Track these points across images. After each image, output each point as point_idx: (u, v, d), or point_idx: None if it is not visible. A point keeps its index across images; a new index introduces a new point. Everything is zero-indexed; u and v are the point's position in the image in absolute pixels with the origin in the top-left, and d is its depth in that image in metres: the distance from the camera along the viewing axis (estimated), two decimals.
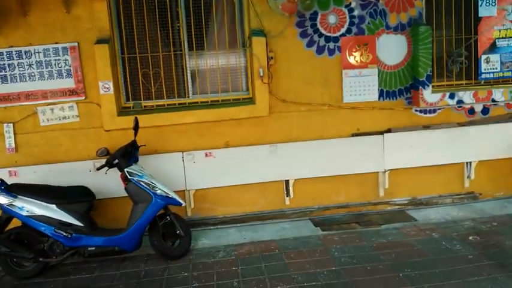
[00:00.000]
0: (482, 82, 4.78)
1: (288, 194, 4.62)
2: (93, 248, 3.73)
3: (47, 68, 4.15)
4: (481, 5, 4.57)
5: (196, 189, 4.45)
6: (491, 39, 4.67)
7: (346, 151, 4.54)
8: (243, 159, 4.43)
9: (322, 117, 4.57)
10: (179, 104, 4.45)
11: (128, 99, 4.40)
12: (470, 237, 3.94)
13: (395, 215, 4.66)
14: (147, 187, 3.72)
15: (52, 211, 3.64)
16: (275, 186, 4.60)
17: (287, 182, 4.59)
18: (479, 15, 4.59)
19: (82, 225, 3.72)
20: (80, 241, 3.69)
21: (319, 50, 4.47)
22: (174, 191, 3.94)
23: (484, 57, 4.69)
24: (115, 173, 3.85)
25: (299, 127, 4.55)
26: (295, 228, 4.41)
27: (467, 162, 4.80)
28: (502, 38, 4.68)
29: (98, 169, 3.88)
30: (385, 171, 4.66)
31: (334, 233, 4.23)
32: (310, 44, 4.45)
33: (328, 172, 4.59)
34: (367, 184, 4.73)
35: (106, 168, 3.82)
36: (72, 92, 4.21)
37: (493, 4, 4.59)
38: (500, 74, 4.75)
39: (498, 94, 4.65)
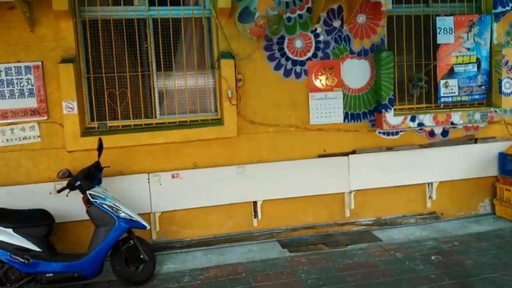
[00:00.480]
0: (441, 106, 4.99)
1: (255, 216, 4.61)
2: (51, 275, 3.56)
3: (8, 87, 4.03)
4: (439, 33, 4.81)
5: (162, 212, 4.36)
6: (449, 65, 4.91)
7: (313, 172, 4.60)
8: (211, 180, 4.40)
9: (290, 139, 4.63)
10: (146, 124, 4.40)
11: (92, 120, 4.31)
12: (433, 257, 4.03)
13: (361, 235, 4.72)
14: (110, 210, 3.62)
15: (8, 236, 3.47)
16: (243, 208, 4.59)
17: (255, 203, 4.58)
18: (438, 42, 4.83)
19: (40, 250, 3.56)
20: (38, 267, 3.52)
21: (287, 73, 4.56)
22: (139, 214, 3.86)
23: (442, 82, 4.91)
24: (77, 195, 3.73)
25: (267, 148, 4.58)
26: (263, 251, 4.38)
27: (428, 183, 4.96)
28: (459, 64, 4.93)
29: (59, 191, 3.75)
30: (350, 192, 4.74)
31: (301, 255, 4.23)
32: (277, 67, 4.53)
33: (296, 193, 4.62)
34: (334, 205, 4.79)
35: (67, 190, 3.69)
36: (34, 112, 4.09)
37: (450, 32, 4.85)
38: (458, 98, 4.98)
39: (456, 117, 4.86)
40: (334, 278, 3.68)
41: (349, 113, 4.72)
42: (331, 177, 4.65)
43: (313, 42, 4.57)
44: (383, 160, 4.75)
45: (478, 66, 4.97)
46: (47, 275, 3.55)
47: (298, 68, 4.57)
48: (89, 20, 4.19)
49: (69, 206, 3.93)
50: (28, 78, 4.05)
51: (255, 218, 4.61)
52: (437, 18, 4.80)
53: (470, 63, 4.94)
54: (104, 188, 3.83)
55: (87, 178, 3.70)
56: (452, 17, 4.83)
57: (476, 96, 5.03)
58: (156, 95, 4.43)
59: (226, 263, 4.10)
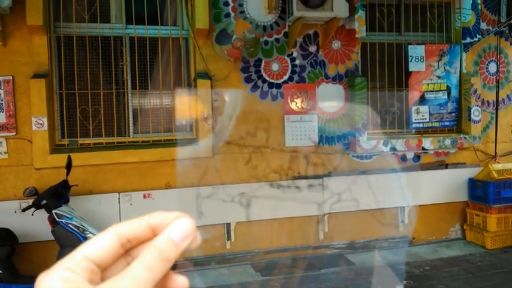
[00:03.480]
0: (413, 131, 5.11)
1: (229, 238, 4.54)
2: None
3: None
4: (410, 61, 4.97)
5: None
6: (421, 92, 5.06)
7: (287, 194, 4.59)
8: (184, 200, 4.33)
9: (265, 160, 4.63)
10: (118, 142, 4.32)
11: (63, 137, 4.21)
12: (405, 282, 4.04)
13: (335, 259, 4.70)
14: (77, 230, 3.50)
15: None
16: (216, 230, 4.52)
17: (228, 225, 4.53)
18: (409, 69, 4.99)
19: (0, 271, 3.40)
20: None
21: (263, 95, 4.60)
22: None
23: (414, 108, 5.04)
24: (43, 214, 3.60)
25: (242, 169, 4.56)
26: (235, 274, 4.30)
27: (401, 207, 5.02)
28: (430, 91, 5.09)
29: (24, 210, 3.61)
30: (324, 215, 4.74)
31: (274, 279, 4.17)
32: (254, 89, 4.57)
33: (270, 215, 4.59)
34: (308, 227, 4.78)
35: (33, 209, 3.56)
36: (1, 127, 3.97)
37: (422, 60, 5.01)
38: (429, 124, 5.11)
39: (427, 143, 4.97)
40: None
41: (324, 136, 4.77)
42: (305, 199, 4.65)
43: (290, 66, 4.64)
44: (356, 183, 4.79)
45: (448, 94, 5.13)
46: None
47: (274, 91, 4.61)
48: (64, 36, 4.15)
49: (35, 225, 3.79)
50: None
51: (228, 240, 4.54)
52: (409, 46, 4.96)
53: (441, 90, 5.10)
54: (71, 207, 3.71)
55: (53, 197, 3.58)
56: (423, 46, 5.01)
57: (447, 123, 5.18)
58: (130, 113, 4.38)
59: (197, 287, 4.00)
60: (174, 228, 0.40)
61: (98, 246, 0.40)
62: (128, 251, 0.42)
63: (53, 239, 3.57)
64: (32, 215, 3.58)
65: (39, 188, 3.68)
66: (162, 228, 0.41)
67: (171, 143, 4.41)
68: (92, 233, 3.54)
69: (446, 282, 3.99)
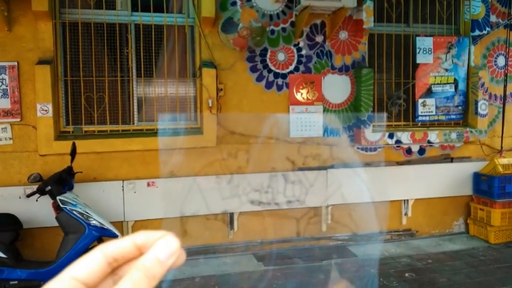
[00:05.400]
0: (419, 124, 5.07)
1: (231, 228, 4.55)
2: (16, 282, 3.41)
3: None
4: (418, 53, 4.91)
5: (135, 221, 4.26)
6: (428, 85, 5.00)
7: (291, 185, 4.58)
8: (188, 189, 4.33)
9: (269, 151, 4.61)
10: (123, 130, 4.32)
11: (67, 123, 4.21)
12: (407, 274, 4.04)
13: (337, 250, 4.71)
14: (81, 217, 3.51)
15: None
16: (219, 220, 4.52)
17: (231, 215, 4.53)
18: (417, 61, 4.93)
19: (5, 256, 3.42)
20: (1, 274, 3.37)
21: (268, 85, 4.56)
22: (111, 222, 3.75)
23: (420, 101, 5.00)
24: (47, 200, 3.61)
25: (246, 159, 4.55)
26: (237, 263, 4.32)
27: (404, 200, 5.00)
28: (437, 84, 5.03)
29: (28, 196, 3.62)
30: (327, 206, 4.74)
31: (276, 269, 4.18)
32: (259, 79, 4.54)
33: (273, 206, 4.59)
34: (311, 219, 4.78)
35: (37, 195, 3.57)
36: (6, 113, 3.97)
37: (429, 52, 4.95)
38: (436, 117, 5.07)
39: (433, 136, 4.94)
40: None
41: (329, 127, 4.74)
42: (309, 190, 4.64)
43: (296, 56, 4.60)
44: (360, 175, 4.77)
45: (456, 87, 5.08)
46: (11, 282, 3.40)
47: (279, 81, 4.58)
48: (69, 22, 4.12)
49: (39, 211, 3.81)
50: (2, 79, 3.94)
51: (231, 230, 4.55)
52: (417, 38, 4.90)
53: (448, 83, 5.05)
54: (75, 194, 3.72)
55: (58, 183, 3.59)
56: (431, 38, 4.94)
57: (453, 116, 5.13)
58: (135, 101, 4.37)
59: (199, 275, 4.02)
60: (159, 247, 0.41)
61: (85, 267, 0.41)
62: (114, 270, 0.43)
63: (57, 225, 3.59)
64: (37, 201, 3.60)
65: (44, 174, 3.69)
66: (147, 247, 0.42)
67: (175, 132, 4.40)
68: (96, 220, 3.56)
69: (449, 275, 3.99)
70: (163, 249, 0.41)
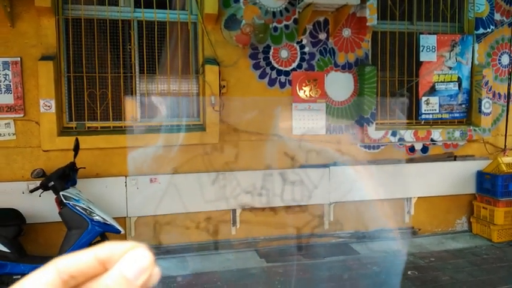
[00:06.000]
0: (422, 122, 5.05)
1: (234, 224, 4.55)
2: (19, 277, 3.42)
3: None
4: (422, 51, 4.90)
5: (138, 217, 4.27)
6: (431, 83, 4.99)
7: (293, 182, 4.58)
8: (190, 186, 4.34)
9: (272, 148, 4.61)
10: (126, 127, 4.32)
11: (70, 119, 4.22)
12: (409, 272, 4.03)
13: (339, 247, 4.70)
14: (84, 212, 3.52)
15: None
16: (222, 216, 4.52)
17: (234, 211, 4.53)
18: (420, 59, 4.91)
19: (8, 251, 3.43)
20: (5, 268, 3.39)
21: (271, 82, 4.56)
22: (114, 218, 3.76)
23: (424, 99, 4.98)
24: (50, 196, 3.62)
25: (249, 156, 4.55)
26: (240, 260, 4.32)
27: (407, 198, 4.99)
28: (441, 82, 5.01)
29: (32, 191, 3.63)
30: (330, 204, 4.73)
31: (278, 265, 4.18)
32: (262, 76, 4.53)
33: (275, 203, 4.59)
34: (313, 216, 4.77)
35: (40, 190, 3.58)
36: (10, 109, 3.98)
37: (433, 50, 4.93)
38: (439, 116, 5.05)
39: (436, 134, 4.92)
40: None
41: (332, 124, 4.74)
42: (311, 188, 4.63)
43: (299, 53, 4.59)
44: (363, 173, 4.76)
45: (459, 85, 5.06)
46: (14, 277, 3.42)
47: (282, 78, 4.57)
48: (72, 18, 4.13)
49: (42, 206, 3.82)
50: (6, 74, 3.95)
51: (233, 226, 4.55)
52: (421, 36, 4.89)
53: (452, 81, 5.03)
54: (78, 189, 3.73)
55: (61, 179, 3.60)
56: (435, 36, 4.93)
57: (457, 115, 5.11)
58: (138, 97, 4.37)
59: (202, 271, 4.02)
60: (126, 262, 0.34)
61: (33, 285, 0.35)
62: None
63: (60, 220, 3.60)
64: (40, 196, 3.60)
65: (47, 169, 3.70)
66: (113, 261, 0.35)
67: (177, 129, 4.40)
68: (99, 216, 3.57)
69: (451, 273, 3.98)
70: (132, 265, 0.34)
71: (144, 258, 0.35)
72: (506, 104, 5.20)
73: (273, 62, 4.54)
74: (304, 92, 4.62)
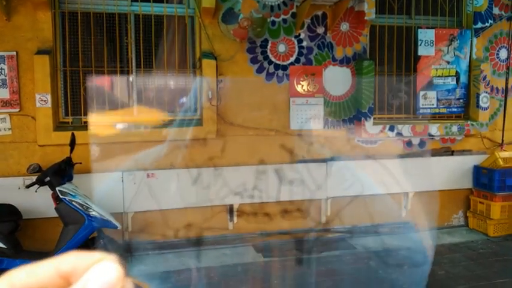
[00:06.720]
0: (420, 117, 5.05)
1: (231, 219, 4.55)
2: None
3: None
4: (420, 45, 4.88)
5: (135, 212, 4.27)
6: (429, 77, 4.97)
7: (291, 177, 4.57)
8: (187, 181, 4.33)
9: (269, 143, 4.60)
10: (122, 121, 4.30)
11: (67, 114, 4.19)
12: (405, 267, 4.05)
13: (336, 242, 4.71)
14: (80, 208, 3.51)
15: None
16: (219, 211, 4.52)
17: (231, 206, 4.53)
18: (418, 53, 4.89)
19: (5, 246, 3.42)
20: (1, 264, 3.37)
21: (269, 77, 4.54)
22: (111, 213, 3.75)
23: (422, 93, 4.97)
24: (46, 191, 3.60)
25: (246, 151, 4.54)
26: (237, 255, 4.33)
27: (404, 193, 5.00)
28: (439, 76, 5.00)
29: (28, 187, 3.61)
30: (327, 199, 4.74)
31: (275, 260, 4.19)
32: (259, 70, 4.51)
33: (272, 198, 4.58)
34: (310, 211, 4.78)
35: (36, 186, 3.57)
36: (5, 103, 3.95)
37: (431, 45, 4.92)
38: (437, 110, 5.05)
39: (434, 129, 4.92)
40: (307, 285, 3.65)
41: (329, 119, 4.72)
42: (308, 183, 4.63)
43: (296, 48, 4.56)
44: (360, 168, 4.76)
45: (457, 80, 5.05)
46: None
47: (280, 72, 4.55)
48: (69, 11, 4.09)
49: (38, 202, 3.80)
50: (1, 68, 3.92)
51: (230, 221, 4.55)
52: (419, 30, 4.86)
53: (450, 76, 5.02)
54: (75, 185, 3.71)
55: (57, 174, 3.58)
56: (433, 30, 4.90)
57: (454, 109, 5.11)
58: (135, 92, 4.35)
59: (198, 266, 4.03)
60: (92, 277, 0.31)
61: None
62: None
63: (57, 215, 3.59)
64: (36, 191, 3.58)
65: (43, 165, 3.67)
66: (77, 276, 0.31)
67: (175, 124, 4.38)
68: (96, 211, 3.55)
69: (447, 268, 4.00)
70: (98, 281, 0.30)
71: (112, 273, 0.31)
72: (504, 98, 5.20)
73: (270, 56, 4.51)
74: (302, 86, 4.60)
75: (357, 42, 4.71)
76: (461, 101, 5.11)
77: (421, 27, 4.90)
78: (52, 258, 0.33)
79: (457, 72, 5.04)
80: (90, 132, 4.04)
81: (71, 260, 0.32)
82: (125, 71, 4.32)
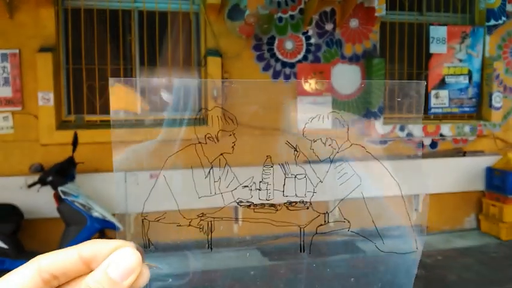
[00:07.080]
0: (431, 117, 4.92)
1: (236, 221, 4.46)
2: None
3: None
4: (432, 42, 4.74)
5: (137, 213, 4.18)
6: (441, 76, 4.84)
7: (297, 178, 4.47)
8: (191, 181, 4.23)
9: (276, 142, 4.49)
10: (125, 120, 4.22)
11: (69, 113, 4.13)
12: (415, 271, 3.93)
13: (344, 246, 4.58)
14: (82, 208, 3.44)
15: None
16: (223, 213, 4.43)
17: (236, 208, 4.43)
18: (430, 51, 4.76)
19: (6, 247, 3.37)
20: (3, 265, 3.32)
21: (275, 75, 4.43)
22: (113, 214, 3.68)
23: (433, 92, 4.84)
24: (48, 191, 3.54)
25: (252, 151, 4.43)
26: (242, 258, 4.23)
27: (415, 195, 4.87)
28: (451, 74, 4.86)
29: (30, 186, 3.55)
30: (335, 201, 4.62)
31: (281, 264, 4.10)
32: (266, 68, 4.41)
33: (279, 199, 4.47)
34: (317, 213, 4.66)
35: (38, 185, 3.50)
36: (8, 102, 3.89)
37: (443, 42, 4.78)
38: (449, 110, 4.91)
39: (446, 129, 4.79)
40: None
41: (338, 119, 4.60)
42: (316, 184, 4.52)
43: (304, 45, 4.45)
44: (369, 169, 4.64)
45: (470, 79, 4.91)
46: None
47: (287, 70, 4.45)
48: (72, 8, 4.02)
49: (40, 202, 3.74)
50: (4, 67, 3.86)
51: (235, 223, 4.45)
52: (431, 27, 4.73)
53: (462, 74, 4.88)
54: (77, 185, 3.65)
55: (59, 174, 3.51)
56: (445, 27, 4.76)
57: (467, 109, 4.97)
58: (138, 90, 4.26)
59: (202, 270, 3.94)
60: (112, 262, 0.32)
61: (13, 285, 0.32)
62: None
63: (59, 216, 3.53)
64: (38, 191, 3.52)
65: (45, 164, 3.61)
66: (98, 261, 0.33)
67: (178, 122, 4.30)
68: (98, 212, 3.48)
69: (459, 272, 3.87)
70: (118, 266, 0.32)
71: (131, 258, 0.33)
72: None
73: (277, 53, 4.41)
74: (310, 84, 4.49)
75: (366, 39, 4.59)
76: (473, 100, 4.97)
77: (432, 24, 4.76)
78: (36, 259, 0.35)
79: (469, 71, 4.90)
80: (94, 132, 3.98)
81: (92, 246, 0.34)
82: (128, 69, 4.24)
